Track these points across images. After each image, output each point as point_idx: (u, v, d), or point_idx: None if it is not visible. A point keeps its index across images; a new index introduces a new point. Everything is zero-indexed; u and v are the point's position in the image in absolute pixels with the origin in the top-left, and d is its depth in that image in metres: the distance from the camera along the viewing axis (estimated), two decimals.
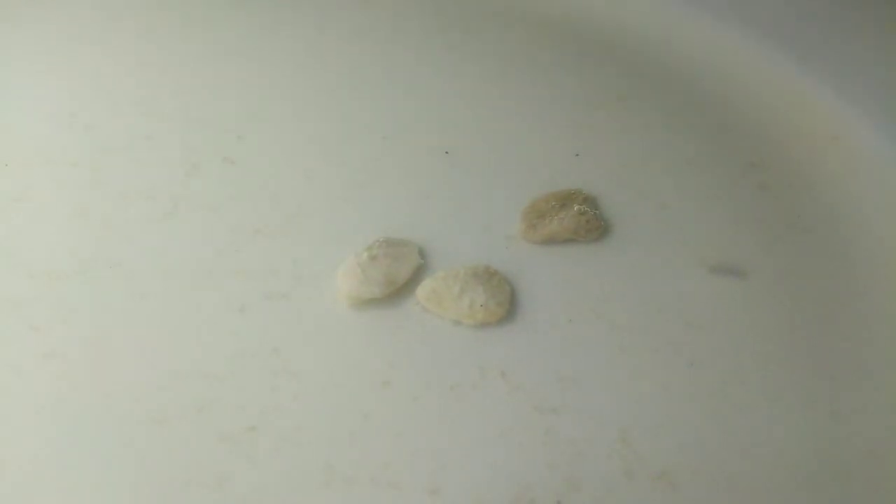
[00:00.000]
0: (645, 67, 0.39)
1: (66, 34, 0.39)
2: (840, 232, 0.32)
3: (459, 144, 0.34)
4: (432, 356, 0.27)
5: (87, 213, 0.31)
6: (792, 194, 0.33)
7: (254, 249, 0.30)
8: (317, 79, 0.37)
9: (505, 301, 0.28)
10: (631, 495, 0.24)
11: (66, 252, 0.29)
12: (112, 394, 0.26)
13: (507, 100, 0.37)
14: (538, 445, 0.25)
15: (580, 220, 0.31)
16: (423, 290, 0.28)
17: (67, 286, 0.28)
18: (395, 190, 0.32)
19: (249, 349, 0.27)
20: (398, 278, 0.29)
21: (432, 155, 0.34)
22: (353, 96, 0.37)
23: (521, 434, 0.25)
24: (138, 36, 0.39)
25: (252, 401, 0.26)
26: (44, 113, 0.35)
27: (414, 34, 0.40)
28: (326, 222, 0.31)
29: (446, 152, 0.34)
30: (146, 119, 0.35)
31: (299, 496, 0.24)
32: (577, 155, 0.34)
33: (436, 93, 0.37)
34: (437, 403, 0.26)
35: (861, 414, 0.26)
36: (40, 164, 0.33)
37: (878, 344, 0.28)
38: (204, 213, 0.31)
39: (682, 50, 0.40)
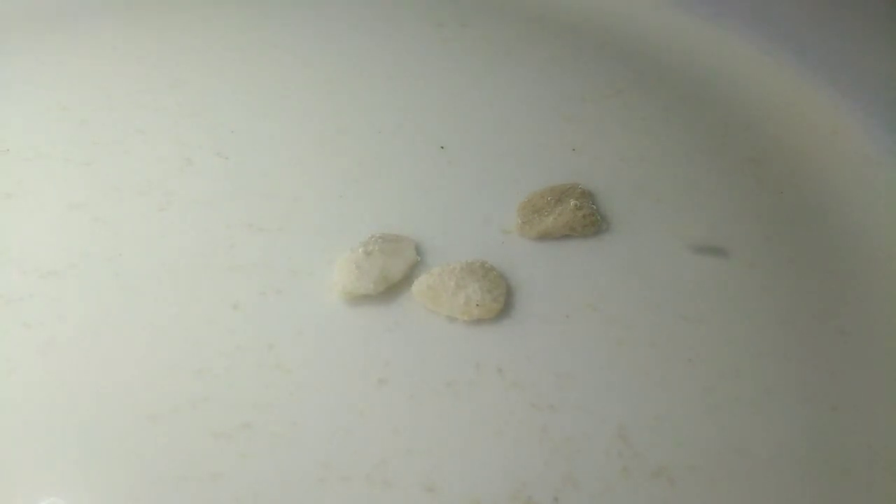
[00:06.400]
0: (642, 62, 0.39)
1: (58, 28, 0.39)
2: (839, 227, 0.32)
3: (455, 139, 0.34)
4: (428, 353, 0.27)
5: (79, 209, 0.31)
6: (791, 189, 0.33)
7: (248, 245, 0.30)
8: (311, 73, 0.37)
9: (501, 297, 0.28)
10: (629, 492, 0.24)
11: (58, 248, 0.29)
12: (105, 390, 0.25)
13: (504, 94, 0.37)
14: (535, 442, 0.25)
15: (576, 215, 0.31)
16: (418, 285, 0.28)
17: (60, 282, 0.28)
18: (390, 185, 0.32)
19: (244, 345, 0.27)
20: (394, 274, 0.28)
21: (428, 150, 0.34)
22: (347, 91, 0.37)
23: (518, 431, 0.25)
24: (131, 29, 0.39)
25: (246, 397, 0.25)
26: (36, 107, 0.35)
27: (409, 29, 0.40)
28: (321, 218, 0.31)
29: (442, 147, 0.34)
30: (139, 113, 0.35)
31: (294, 494, 0.23)
32: (573, 150, 0.34)
33: (431, 87, 0.37)
34: (433, 400, 0.26)
35: (860, 409, 0.26)
36: (32, 159, 0.32)
37: (877, 338, 0.28)
38: (198, 208, 0.31)
39: (680, 44, 0.39)
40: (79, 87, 0.36)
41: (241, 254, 0.29)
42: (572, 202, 0.31)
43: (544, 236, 0.30)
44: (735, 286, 0.29)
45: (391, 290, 0.28)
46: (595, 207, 0.31)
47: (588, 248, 0.30)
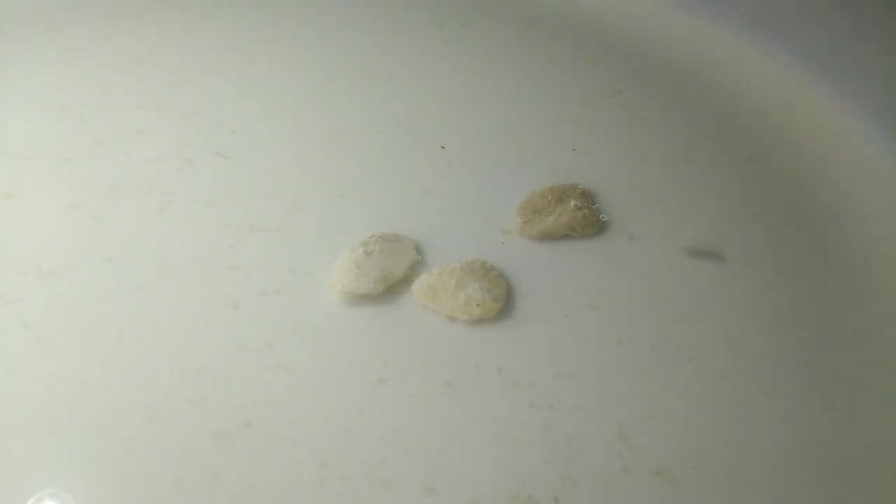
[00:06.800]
0: (642, 62, 0.39)
1: (58, 28, 0.38)
2: (838, 227, 0.32)
3: (455, 139, 0.34)
4: (428, 352, 0.27)
5: (79, 208, 0.31)
6: (790, 189, 0.33)
7: (248, 245, 0.30)
8: (311, 73, 0.37)
9: (501, 297, 0.28)
10: (628, 491, 0.24)
11: (57, 248, 0.29)
12: (105, 390, 0.25)
13: (504, 95, 0.37)
14: (535, 442, 0.25)
15: (577, 215, 0.30)
16: (418, 285, 0.28)
17: (59, 282, 0.28)
18: (390, 185, 0.32)
19: (243, 345, 0.27)
20: (394, 274, 0.28)
21: (428, 150, 0.34)
22: (347, 90, 0.36)
23: (518, 430, 0.25)
24: (131, 29, 0.39)
25: (246, 397, 0.25)
26: (36, 106, 0.35)
27: (410, 29, 0.40)
28: (321, 218, 0.31)
29: (442, 147, 0.34)
30: (139, 113, 0.34)
31: (293, 493, 0.23)
32: (573, 150, 0.34)
33: (432, 87, 0.37)
34: (432, 400, 0.26)
35: (860, 409, 0.26)
36: (32, 159, 0.32)
37: (876, 339, 0.28)
38: (197, 208, 0.31)
39: (680, 45, 0.39)
40: (79, 87, 0.36)
41: (241, 254, 0.29)
42: (572, 202, 0.31)
43: (544, 236, 0.30)
44: (735, 286, 0.29)
45: (391, 289, 0.28)
46: (595, 207, 0.31)
47: (588, 248, 0.30)
